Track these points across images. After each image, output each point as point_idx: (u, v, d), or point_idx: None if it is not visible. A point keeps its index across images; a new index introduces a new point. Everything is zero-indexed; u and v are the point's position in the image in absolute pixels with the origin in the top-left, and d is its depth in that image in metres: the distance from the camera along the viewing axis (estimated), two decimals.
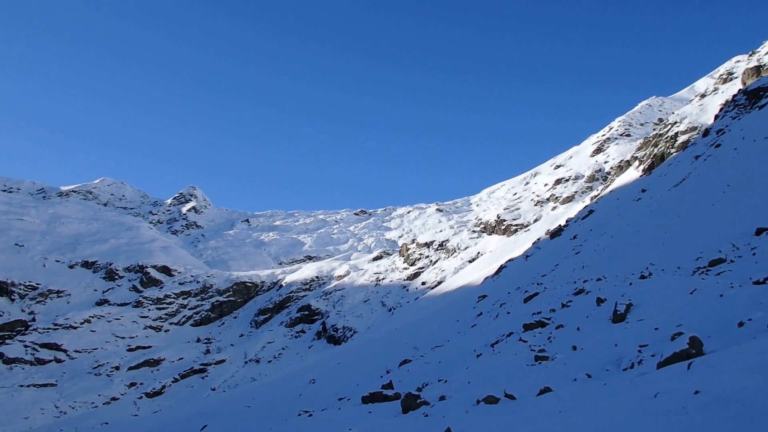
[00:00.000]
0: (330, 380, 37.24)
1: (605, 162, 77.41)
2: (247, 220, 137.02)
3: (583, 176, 78.03)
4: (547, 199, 78.98)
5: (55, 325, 77.56)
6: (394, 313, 70.92)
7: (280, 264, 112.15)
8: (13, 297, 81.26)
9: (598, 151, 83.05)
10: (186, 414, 46.68)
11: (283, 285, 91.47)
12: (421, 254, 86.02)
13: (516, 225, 76.19)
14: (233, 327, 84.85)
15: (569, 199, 75.17)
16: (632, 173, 60.82)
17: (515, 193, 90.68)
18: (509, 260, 53.58)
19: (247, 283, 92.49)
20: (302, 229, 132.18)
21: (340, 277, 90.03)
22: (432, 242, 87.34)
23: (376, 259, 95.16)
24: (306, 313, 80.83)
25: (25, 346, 73.40)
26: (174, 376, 70.44)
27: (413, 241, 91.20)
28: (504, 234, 76.41)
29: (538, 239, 55.71)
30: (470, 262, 73.48)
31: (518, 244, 65.43)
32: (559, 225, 55.07)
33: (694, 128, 57.60)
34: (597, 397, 7.81)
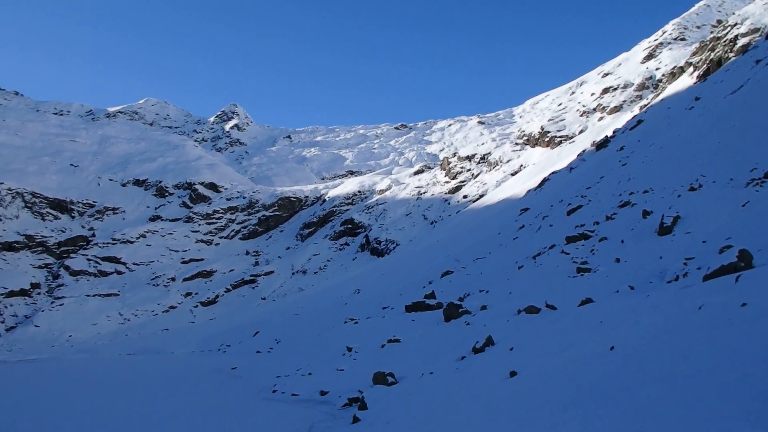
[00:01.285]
0: (374, 290, 38.65)
1: (657, 69, 73.10)
2: (289, 137, 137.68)
3: (633, 84, 74.22)
4: (594, 110, 75.98)
5: (114, 239, 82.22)
6: (435, 226, 71.67)
7: (323, 179, 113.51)
8: (73, 214, 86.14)
9: (650, 57, 78.26)
10: (240, 321, 49.75)
11: (326, 200, 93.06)
12: (462, 168, 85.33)
13: (560, 137, 74.09)
14: (280, 240, 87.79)
15: (617, 109, 72.08)
16: (685, 80, 57.43)
17: (560, 104, 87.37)
18: (552, 173, 52.67)
19: (291, 198, 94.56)
20: (343, 145, 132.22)
21: (382, 191, 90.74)
22: (473, 155, 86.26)
23: (417, 173, 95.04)
24: (349, 226, 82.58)
25: (88, 260, 78.41)
26: (226, 287, 74.40)
27: (454, 154, 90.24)
28: (548, 146, 74.60)
29: (583, 151, 54.25)
30: (512, 175, 72.58)
31: (562, 157, 63.93)
32: (606, 136, 53.26)
33: (756, 30, 53.21)
34: (639, 308, 7.88)
